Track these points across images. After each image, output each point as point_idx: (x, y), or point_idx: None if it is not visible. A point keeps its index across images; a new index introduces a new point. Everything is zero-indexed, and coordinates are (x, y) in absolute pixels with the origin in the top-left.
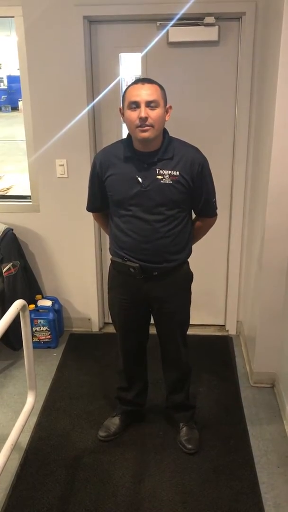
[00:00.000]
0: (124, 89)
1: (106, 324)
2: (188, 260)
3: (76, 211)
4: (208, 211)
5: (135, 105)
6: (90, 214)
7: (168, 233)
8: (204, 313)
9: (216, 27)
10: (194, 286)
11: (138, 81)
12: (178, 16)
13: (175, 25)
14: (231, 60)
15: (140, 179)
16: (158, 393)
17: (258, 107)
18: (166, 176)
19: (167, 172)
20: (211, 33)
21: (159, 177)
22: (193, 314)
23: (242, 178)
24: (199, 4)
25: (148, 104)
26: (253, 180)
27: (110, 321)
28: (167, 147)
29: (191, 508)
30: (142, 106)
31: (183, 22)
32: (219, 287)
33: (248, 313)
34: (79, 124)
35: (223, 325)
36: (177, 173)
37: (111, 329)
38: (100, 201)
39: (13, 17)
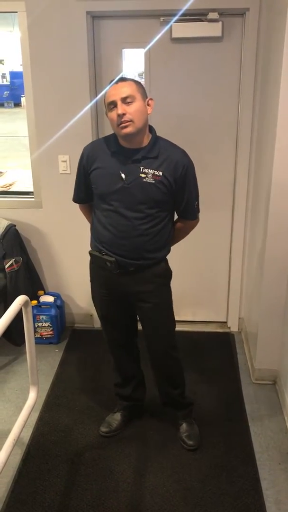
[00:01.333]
0: None
1: None
2: (167, 258)
3: (78, 207)
4: (189, 214)
5: (113, 104)
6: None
7: (147, 231)
8: (206, 310)
9: (220, 23)
10: (196, 283)
11: (113, 82)
12: (181, 12)
13: (178, 20)
14: (234, 56)
15: (123, 175)
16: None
17: (261, 103)
18: (149, 175)
19: (150, 171)
20: (214, 29)
21: (142, 175)
22: (195, 310)
23: (245, 174)
24: (203, 0)
25: (124, 100)
26: (256, 177)
27: None
28: (152, 146)
29: (192, 504)
30: (119, 103)
31: (186, 17)
32: (221, 284)
33: (250, 310)
34: (82, 120)
35: (225, 322)
36: (160, 173)
37: None
38: (85, 192)
39: (16, 12)
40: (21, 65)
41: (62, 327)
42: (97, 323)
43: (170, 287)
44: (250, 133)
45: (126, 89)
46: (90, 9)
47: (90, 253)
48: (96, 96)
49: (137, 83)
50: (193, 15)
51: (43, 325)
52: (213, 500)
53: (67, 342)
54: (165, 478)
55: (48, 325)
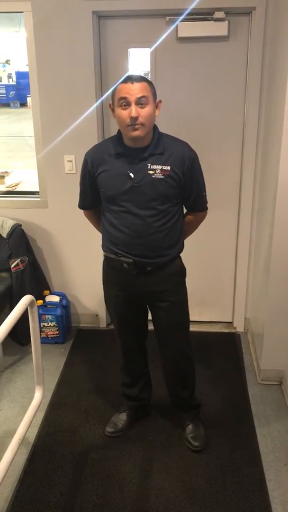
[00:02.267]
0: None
1: None
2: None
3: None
4: (198, 205)
5: (125, 102)
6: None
7: (161, 228)
8: (212, 310)
9: (226, 22)
10: (202, 283)
11: (127, 78)
12: (187, 11)
13: (184, 20)
14: (241, 56)
15: (132, 175)
16: (165, 388)
17: (267, 102)
18: (158, 171)
19: (158, 167)
20: (221, 28)
21: (151, 172)
22: (201, 311)
23: (251, 174)
24: None
25: (138, 101)
26: (262, 176)
27: None
28: (157, 142)
29: (198, 505)
30: (133, 104)
31: (192, 17)
32: (227, 284)
33: (256, 310)
34: (87, 119)
35: (231, 322)
36: (168, 167)
37: None
38: (91, 198)
39: (22, 12)
40: (27, 65)
41: (68, 327)
42: (102, 323)
43: (185, 285)
44: (257, 133)
45: (141, 90)
46: (96, 8)
47: (105, 256)
48: (102, 95)
49: (151, 84)
50: (199, 14)
51: (49, 324)
52: (219, 500)
53: (72, 342)
54: (171, 478)
55: (54, 325)
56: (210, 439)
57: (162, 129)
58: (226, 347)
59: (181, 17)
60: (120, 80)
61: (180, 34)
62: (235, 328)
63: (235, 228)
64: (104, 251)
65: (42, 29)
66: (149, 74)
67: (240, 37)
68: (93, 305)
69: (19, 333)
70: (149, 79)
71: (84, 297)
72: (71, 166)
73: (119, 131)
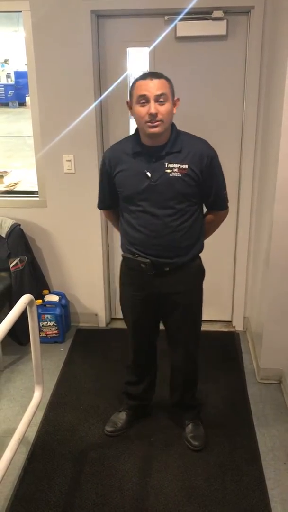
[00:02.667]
0: (130, 82)
1: (113, 319)
2: (200, 255)
3: (83, 206)
4: (219, 204)
5: (144, 99)
6: (97, 209)
7: (179, 227)
8: (211, 309)
9: (225, 21)
10: None
11: (146, 75)
12: (186, 11)
13: (183, 19)
14: (239, 55)
15: (149, 174)
16: (165, 388)
17: (266, 101)
18: (175, 170)
19: (175, 165)
20: (219, 28)
21: (168, 170)
22: None
23: (250, 173)
24: None
25: (157, 98)
26: (261, 175)
27: (117, 316)
28: (175, 141)
29: (197, 504)
30: (152, 101)
31: (191, 16)
32: (226, 283)
33: (255, 309)
34: (86, 119)
35: (230, 321)
36: (186, 166)
37: (118, 325)
38: (110, 198)
39: (20, 11)
40: (25, 64)
41: (67, 326)
42: (102, 323)
43: (202, 287)
44: (255, 132)
45: (161, 87)
46: (94, 8)
47: (123, 256)
48: (101, 95)
49: (169, 81)
50: (197, 13)
51: (48, 324)
52: (218, 499)
53: (72, 341)
54: (170, 477)
55: (53, 324)
56: (210, 438)
57: None
58: (225, 346)
59: (180, 16)
60: (138, 77)
61: (179, 33)
62: (234, 327)
63: (234, 227)
64: (122, 251)
65: (40, 28)
66: None
67: (239, 36)
68: (92, 305)
69: (19, 332)
70: (167, 77)
71: (83, 297)
72: (70, 165)
73: (136, 130)
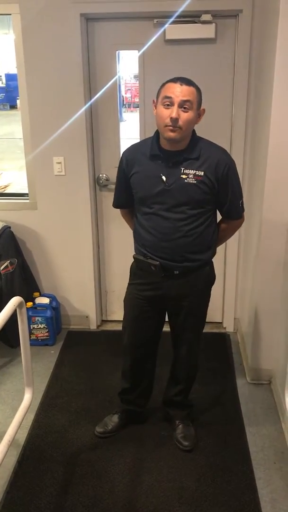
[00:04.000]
0: (120, 85)
1: (103, 321)
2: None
3: (73, 209)
4: (233, 213)
5: (169, 101)
6: (88, 211)
7: (189, 232)
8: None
9: (213, 24)
10: None
11: (177, 80)
12: (175, 14)
13: (172, 22)
14: (228, 57)
15: (164, 178)
16: (157, 391)
17: (255, 104)
18: (191, 176)
19: (191, 171)
20: (208, 31)
21: (183, 176)
22: None
23: (239, 175)
24: (196, 2)
25: (182, 104)
26: (250, 178)
27: (108, 318)
28: (193, 147)
29: (188, 504)
30: (175, 105)
31: (180, 19)
32: (216, 285)
33: (245, 310)
34: (76, 121)
35: (221, 322)
36: (202, 173)
37: (109, 327)
38: (126, 197)
39: (10, 14)
40: (16, 67)
41: (58, 329)
42: (93, 325)
43: (210, 292)
44: (244, 134)
45: (188, 94)
46: (84, 11)
47: (134, 257)
48: (91, 97)
49: (199, 91)
50: (186, 17)
51: (39, 326)
52: (209, 499)
53: (62, 343)
54: (161, 478)
55: (44, 327)
56: (200, 439)
57: (150, 131)
58: (216, 347)
59: (169, 20)
60: (170, 79)
61: (168, 37)
62: (225, 328)
63: None
64: (134, 252)
65: (30, 31)
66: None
67: (227, 39)
68: (83, 307)
69: (9, 335)
70: (198, 87)
71: (74, 299)
72: (60, 167)
73: (156, 132)
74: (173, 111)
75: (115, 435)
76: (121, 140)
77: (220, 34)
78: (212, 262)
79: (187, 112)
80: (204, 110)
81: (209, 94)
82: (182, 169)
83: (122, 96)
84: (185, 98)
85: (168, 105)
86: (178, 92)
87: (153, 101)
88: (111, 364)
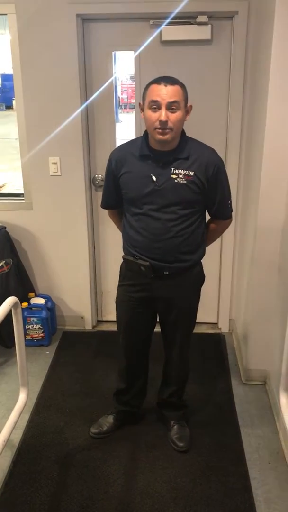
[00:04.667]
0: (116, 86)
1: (99, 322)
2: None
3: (69, 209)
4: (222, 213)
5: (156, 105)
6: (83, 212)
7: (180, 232)
8: (197, 311)
9: (209, 26)
10: None
11: (160, 80)
12: (171, 15)
13: (168, 23)
14: (224, 58)
15: (154, 178)
16: (152, 392)
17: (250, 105)
18: (181, 176)
19: (181, 171)
20: (204, 32)
21: (174, 176)
22: None
23: (235, 178)
24: (192, 3)
25: (169, 106)
26: (245, 180)
27: (104, 319)
28: (183, 147)
29: (183, 504)
30: (163, 108)
31: (176, 20)
32: (212, 286)
33: (241, 311)
34: (72, 122)
35: (216, 323)
36: (192, 173)
37: (104, 327)
38: (115, 198)
39: (6, 14)
40: (11, 67)
41: (53, 329)
42: (88, 325)
43: (200, 292)
44: (240, 135)
45: (174, 94)
46: (80, 12)
47: (124, 258)
48: (87, 98)
49: (184, 88)
50: (182, 18)
51: (34, 327)
52: (204, 499)
53: (58, 344)
54: (156, 478)
55: (39, 327)
56: (195, 439)
57: (142, 132)
58: (211, 348)
59: (165, 21)
60: (153, 80)
61: (164, 38)
62: (220, 329)
63: None
64: (124, 253)
65: (26, 31)
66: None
67: (223, 41)
68: (78, 307)
69: (4, 335)
70: (182, 83)
71: (69, 299)
72: (56, 168)
73: (145, 132)
74: (162, 114)
75: (110, 436)
76: (117, 140)
77: (216, 35)
78: (201, 263)
79: (175, 112)
80: (191, 106)
81: (205, 95)
82: (172, 169)
83: (118, 97)
84: (171, 100)
85: (155, 108)
86: (164, 94)
87: (140, 104)
88: (106, 365)
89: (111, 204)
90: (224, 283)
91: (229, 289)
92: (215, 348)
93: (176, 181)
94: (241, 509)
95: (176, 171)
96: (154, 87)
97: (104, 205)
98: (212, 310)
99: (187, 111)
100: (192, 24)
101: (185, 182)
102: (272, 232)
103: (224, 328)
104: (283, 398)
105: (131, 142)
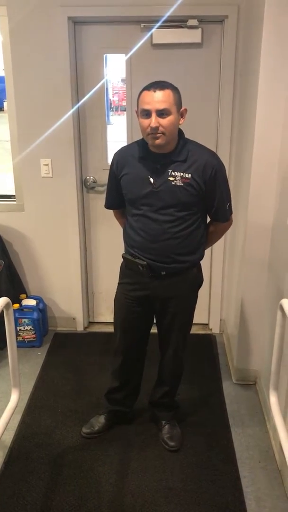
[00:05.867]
0: (107, 88)
1: (90, 323)
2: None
3: (60, 211)
4: (221, 216)
5: (146, 113)
6: (75, 213)
7: (177, 234)
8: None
9: (200, 29)
10: None
11: (150, 87)
12: (162, 19)
13: (159, 27)
14: (214, 62)
15: (151, 180)
16: (144, 391)
17: (240, 107)
18: (178, 178)
19: (179, 174)
20: (194, 36)
21: (171, 178)
22: None
23: None
24: (183, 7)
25: (159, 113)
26: (235, 182)
27: (95, 320)
28: (181, 150)
29: (174, 503)
30: (153, 115)
31: (167, 24)
32: (202, 287)
33: (231, 312)
34: (64, 124)
35: (207, 324)
36: (189, 175)
37: (95, 328)
38: (117, 199)
39: None
40: (3, 69)
41: (45, 331)
42: (80, 326)
43: (197, 294)
44: (230, 139)
45: (163, 101)
46: (72, 14)
47: (123, 257)
48: (78, 100)
49: (175, 92)
50: (173, 21)
51: (26, 328)
52: (194, 498)
53: (49, 345)
54: (147, 478)
55: (31, 329)
56: (186, 438)
57: (135, 135)
58: (202, 348)
59: (156, 25)
60: (145, 86)
61: (155, 41)
62: (211, 329)
63: None
64: (124, 252)
65: (18, 34)
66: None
67: (213, 44)
68: (70, 308)
69: None
70: (175, 86)
71: (61, 301)
72: (47, 169)
73: None
74: (152, 120)
75: (102, 436)
76: (109, 143)
77: (206, 39)
78: (200, 265)
79: (166, 117)
80: (186, 109)
81: (195, 98)
82: (170, 171)
83: (110, 99)
84: (161, 107)
85: (147, 115)
86: (154, 101)
87: (136, 111)
88: (97, 366)
89: (114, 204)
90: (214, 284)
91: (220, 289)
92: (206, 348)
93: (173, 183)
94: (231, 508)
95: (173, 173)
96: (145, 94)
97: (108, 205)
98: (203, 311)
99: (182, 114)
100: (182, 27)
101: (182, 184)
102: (262, 231)
103: (215, 328)
104: (273, 397)
105: (132, 144)
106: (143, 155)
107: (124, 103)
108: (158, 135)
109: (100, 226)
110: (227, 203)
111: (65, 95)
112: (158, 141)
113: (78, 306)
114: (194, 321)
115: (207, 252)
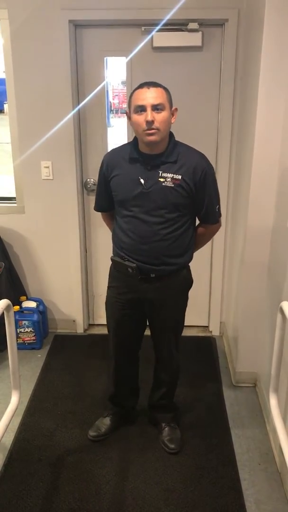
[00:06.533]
0: (109, 91)
1: (91, 325)
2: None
3: (61, 213)
4: (210, 218)
5: (141, 109)
6: (75, 216)
7: (167, 236)
8: (188, 315)
9: (200, 32)
10: None
11: (143, 85)
12: (162, 22)
13: (159, 30)
14: (214, 65)
15: (142, 181)
16: (144, 394)
17: (240, 111)
18: (168, 179)
19: (169, 175)
20: (195, 39)
21: (161, 179)
22: None
23: (225, 182)
24: (183, 11)
25: (154, 107)
26: (236, 182)
27: (95, 322)
28: (172, 151)
29: (174, 506)
30: (148, 109)
31: (167, 27)
32: (202, 289)
33: (231, 314)
34: (64, 126)
35: (207, 326)
36: (179, 177)
37: (96, 331)
38: (107, 201)
39: None
40: (4, 72)
41: (45, 333)
42: (80, 329)
43: (187, 296)
44: (230, 142)
45: (157, 96)
46: (72, 18)
47: (112, 259)
48: (79, 102)
49: (167, 91)
50: (173, 25)
51: (26, 330)
52: (194, 501)
53: (49, 347)
54: (147, 480)
55: (31, 331)
56: (186, 441)
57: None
58: (202, 351)
59: (157, 28)
60: (136, 87)
61: (155, 44)
62: (211, 332)
63: None
64: (113, 254)
65: (19, 37)
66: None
67: (214, 48)
68: (70, 311)
69: None
70: (165, 87)
71: (61, 303)
72: (48, 172)
73: (135, 137)
74: (148, 115)
75: (106, 438)
76: (109, 145)
77: (206, 42)
78: (189, 266)
79: (160, 113)
80: (176, 109)
81: (195, 101)
82: (160, 172)
83: (110, 102)
84: (156, 102)
85: (141, 111)
86: (148, 97)
87: (126, 112)
88: (97, 368)
89: (103, 207)
90: (214, 286)
91: (220, 292)
92: (206, 351)
93: (163, 184)
94: (232, 510)
95: (164, 174)
96: (138, 92)
97: (97, 208)
98: (203, 313)
99: (173, 113)
100: (183, 31)
101: (173, 185)
102: (262, 235)
103: (214, 331)
104: (272, 399)
105: (122, 146)
106: (134, 156)
107: (124, 106)
108: (153, 131)
109: (100, 228)
110: (216, 205)
111: (65, 97)
112: (153, 138)
113: (78, 308)
114: (194, 323)
115: (207, 254)
